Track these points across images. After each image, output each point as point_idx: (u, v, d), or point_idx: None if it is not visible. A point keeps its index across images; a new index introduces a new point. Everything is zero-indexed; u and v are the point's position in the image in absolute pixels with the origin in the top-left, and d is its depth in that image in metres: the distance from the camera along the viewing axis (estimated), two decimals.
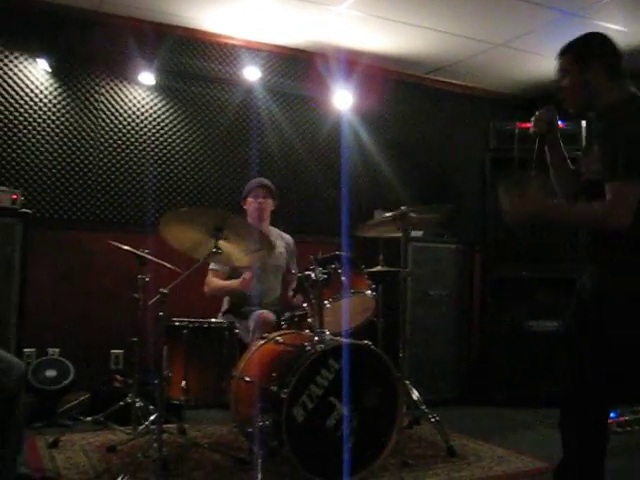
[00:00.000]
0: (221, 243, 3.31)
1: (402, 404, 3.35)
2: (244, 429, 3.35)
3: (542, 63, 5.38)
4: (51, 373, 4.23)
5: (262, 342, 3.44)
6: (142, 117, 4.96)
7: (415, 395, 3.88)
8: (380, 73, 5.70)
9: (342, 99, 5.47)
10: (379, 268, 4.11)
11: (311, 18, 4.84)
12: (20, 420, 2.76)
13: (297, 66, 5.50)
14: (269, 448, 3.10)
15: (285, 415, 2.92)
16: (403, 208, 3.86)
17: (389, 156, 5.78)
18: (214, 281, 4.24)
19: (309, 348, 3.14)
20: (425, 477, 3.26)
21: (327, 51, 5.40)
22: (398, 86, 5.88)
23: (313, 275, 3.38)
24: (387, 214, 3.97)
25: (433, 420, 3.75)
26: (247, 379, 3.28)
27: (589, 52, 2.44)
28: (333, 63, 5.42)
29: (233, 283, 4.17)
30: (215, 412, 4.11)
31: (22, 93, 4.60)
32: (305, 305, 3.57)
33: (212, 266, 4.20)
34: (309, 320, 3.51)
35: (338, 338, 3.35)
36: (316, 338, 3.24)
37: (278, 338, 3.43)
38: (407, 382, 3.85)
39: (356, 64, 5.43)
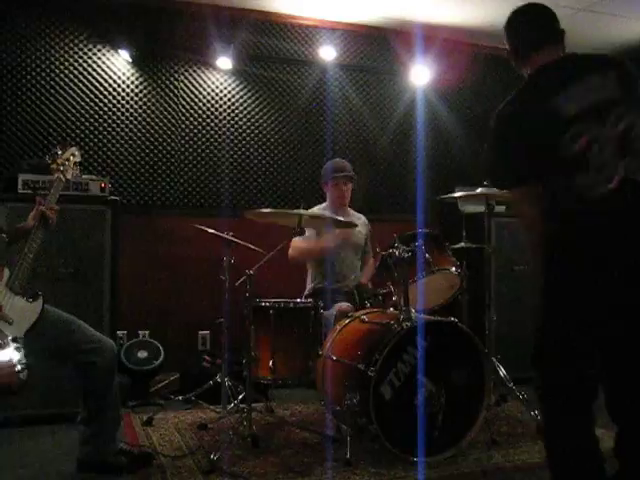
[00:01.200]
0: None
1: (490, 381, 3.30)
2: (331, 407, 3.38)
3: (629, 26, 5.13)
4: (142, 354, 4.37)
5: (347, 321, 3.45)
6: (220, 102, 5.02)
7: (502, 372, 3.83)
8: (458, 46, 5.58)
9: (419, 75, 5.39)
10: (462, 245, 4.04)
11: None
12: (117, 397, 2.87)
13: (372, 43, 5.44)
14: (357, 426, 3.12)
15: (372, 393, 2.93)
16: (486, 183, 3.79)
17: (468, 130, 5.66)
18: (298, 243, 4.11)
19: (395, 326, 3.13)
20: (515, 455, 3.20)
21: (403, 27, 5.30)
22: (477, 58, 5.72)
23: (397, 253, 3.36)
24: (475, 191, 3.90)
25: (522, 397, 3.69)
26: (334, 358, 3.30)
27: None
28: (409, 38, 5.33)
29: (318, 243, 4.16)
30: (301, 391, 4.15)
31: (106, 84, 4.73)
32: (389, 283, 3.56)
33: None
34: (394, 298, 3.50)
35: (424, 315, 3.33)
36: (401, 316, 3.22)
37: (363, 317, 3.43)
38: (494, 359, 3.80)
39: (433, 38, 5.32)
